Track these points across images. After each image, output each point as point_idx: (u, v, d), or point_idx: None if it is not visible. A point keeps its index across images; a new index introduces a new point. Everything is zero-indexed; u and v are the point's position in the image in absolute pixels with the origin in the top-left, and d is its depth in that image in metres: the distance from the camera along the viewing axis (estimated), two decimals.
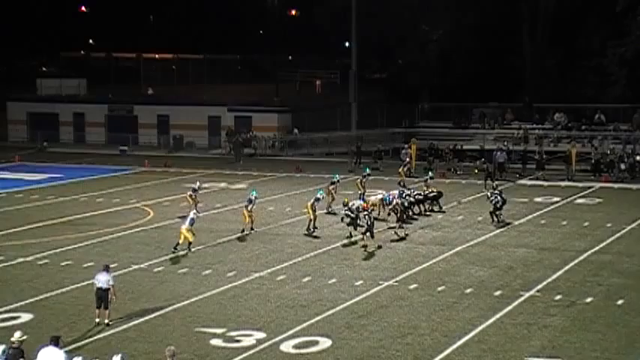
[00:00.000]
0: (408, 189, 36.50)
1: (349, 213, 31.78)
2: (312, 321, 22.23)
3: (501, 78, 64.14)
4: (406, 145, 51.15)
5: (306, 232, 32.45)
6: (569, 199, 40.14)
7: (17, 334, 17.05)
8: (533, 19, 65.75)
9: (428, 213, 36.40)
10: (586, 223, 34.35)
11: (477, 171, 47.19)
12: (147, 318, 22.51)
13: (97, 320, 21.94)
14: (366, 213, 30.54)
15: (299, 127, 60.11)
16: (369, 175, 40.65)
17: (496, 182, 39.24)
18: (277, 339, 20.86)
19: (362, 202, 33.62)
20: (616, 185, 44.21)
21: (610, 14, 60.99)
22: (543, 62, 66.14)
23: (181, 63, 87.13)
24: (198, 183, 38.25)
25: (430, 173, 40.96)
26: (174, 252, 29.27)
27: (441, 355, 19.85)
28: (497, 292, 24.72)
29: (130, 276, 26.59)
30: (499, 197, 34.25)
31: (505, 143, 50.40)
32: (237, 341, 20.78)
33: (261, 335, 21.13)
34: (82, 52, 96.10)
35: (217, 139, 61.45)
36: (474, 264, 27.99)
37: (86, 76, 76.75)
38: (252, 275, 26.61)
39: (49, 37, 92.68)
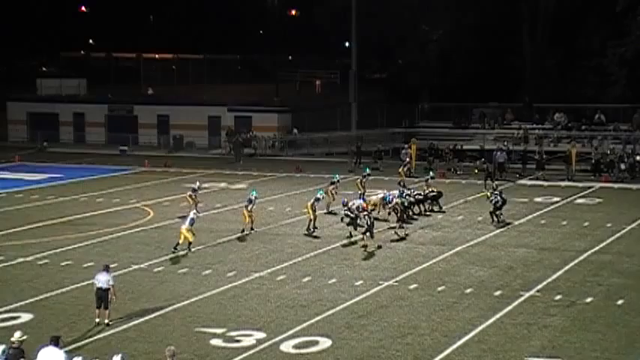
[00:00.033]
0: (408, 189, 36.50)
1: (349, 213, 31.79)
2: (312, 321, 22.23)
3: (501, 78, 64.14)
4: (406, 145, 51.15)
5: (306, 232, 32.45)
6: (569, 199, 40.14)
7: (17, 334, 17.06)
8: (533, 19, 65.75)
9: (428, 213, 36.41)
10: (586, 223, 34.36)
11: (477, 171, 47.20)
12: (147, 318, 22.51)
13: (97, 320, 21.94)
14: (365, 213, 30.54)
15: (298, 127, 60.12)
16: (369, 175, 40.67)
17: (496, 183, 39.23)
18: (277, 339, 20.86)
19: (362, 201, 33.63)
20: (616, 185, 44.21)
21: (610, 14, 60.99)
22: (543, 62, 66.14)
23: (181, 63, 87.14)
24: (197, 183, 38.25)
25: (431, 173, 40.97)
26: (174, 252, 29.27)
27: (441, 355, 19.86)
28: (497, 292, 24.72)
29: (130, 276, 26.59)
30: (499, 197, 34.26)
31: (505, 143, 50.40)
32: (237, 341, 20.78)
33: (261, 335, 21.13)
34: (82, 52, 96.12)
35: (217, 139, 61.46)
36: (474, 264, 27.99)
37: (86, 76, 76.75)
38: (252, 275, 26.61)
39: (49, 37, 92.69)
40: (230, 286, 25.50)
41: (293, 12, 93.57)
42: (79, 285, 25.35)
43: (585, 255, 29.18)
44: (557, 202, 39.44)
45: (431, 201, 37.04)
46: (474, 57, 65.60)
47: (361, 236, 30.45)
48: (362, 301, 23.98)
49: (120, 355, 16.05)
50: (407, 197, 34.83)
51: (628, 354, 19.99)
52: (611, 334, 21.22)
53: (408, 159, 48.15)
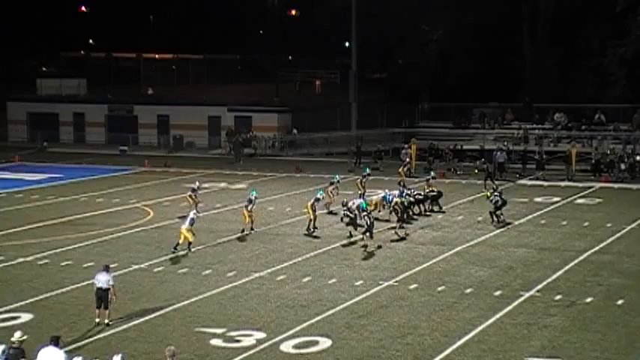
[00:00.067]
0: (408, 189, 36.49)
1: (348, 213, 31.79)
2: (312, 321, 22.23)
3: (501, 78, 64.13)
4: (406, 145, 51.15)
5: (306, 232, 32.45)
6: (569, 199, 40.14)
7: (17, 334, 17.07)
8: (533, 19, 65.73)
9: (428, 213, 36.41)
10: (586, 223, 34.36)
11: (477, 171, 47.20)
12: (147, 318, 22.51)
13: (97, 320, 21.94)
14: (365, 213, 30.54)
15: (297, 128, 60.12)
16: (369, 175, 40.68)
17: (496, 183, 39.23)
18: (277, 339, 20.86)
19: (362, 200, 33.66)
20: (616, 185, 44.21)
21: (610, 14, 60.98)
22: (543, 62, 66.13)
23: (181, 63, 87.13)
24: (197, 183, 38.26)
25: (432, 173, 40.91)
26: (174, 252, 29.27)
27: (441, 355, 19.86)
28: (497, 292, 24.72)
29: (130, 276, 26.59)
30: (499, 197, 34.26)
31: (505, 143, 50.40)
32: (237, 341, 20.78)
33: (261, 335, 21.13)
34: (82, 52, 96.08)
35: (217, 139, 61.46)
36: (474, 264, 27.99)
37: (86, 76, 76.74)
38: (252, 275, 26.62)
39: (49, 37, 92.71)
40: (230, 286, 25.50)
41: (293, 12, 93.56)
42: (79, 285, 25.35)
43: (585, 255, 29.18)
44: (557, 202, 39.44)
45: (431, 201, 37.04)
46: (474, 57, 65.59)
47: (361, 236, 30.45)
48: (362, 301, 23.98)
49: (120, 355, 16.06)
50: (407, 197, 34.82)
51: (628, 354, 20.00)
52: (611, 334, 21.23)
53: (408, 159, 48.15)
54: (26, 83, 75.58)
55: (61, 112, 66.73)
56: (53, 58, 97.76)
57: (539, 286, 25.22)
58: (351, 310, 23.17)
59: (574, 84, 63.12)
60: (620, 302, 23.73)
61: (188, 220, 29.72)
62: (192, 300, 24.08)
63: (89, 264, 27.57)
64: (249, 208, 32.67)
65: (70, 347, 19.79)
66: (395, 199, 33.49)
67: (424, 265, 27.85)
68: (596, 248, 30.13)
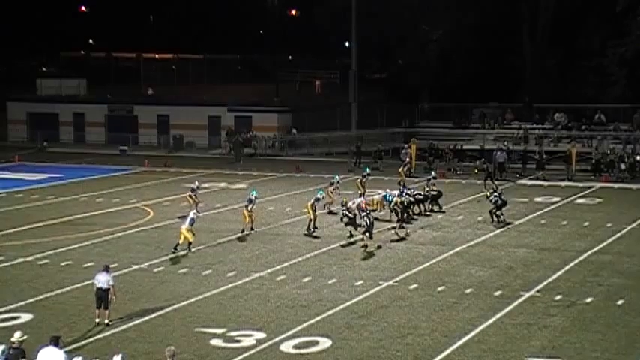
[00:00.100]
0: (408, 189, 36.48)
1: (347, 213, 31.78)
2: (312, 321, 22.23)
3: (501, 78, 64.13)
4: (406, 145, 51.15)
5: (306, 232, 32.45)
6: (569, 199, 40.15)
7: (17, 334, 17.06)
8: (533, 19, 65.73)
9: (428, 213, 36.40)
10: (586, 223, 34.36)
11: (477, 171, 47.20)
12: (147, 318, 22.51)
13: (97, 320, 21.94)
14: (365, 214, 30.53)
15: (297, 128, 60.14)
16: (369, 175, 40.69)
17: (496, 183, 39.21)
18: (277, 339, 20.86)
19: (362, 199, 33.69)
20: (616, 185, 44.21)
21: (610, 14, 60.98)
22: (543, 62, 66.13)
23: (181, 63, 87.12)
24: (196, 183, 38.26)
25: (433, 173, 40.80)
26: (174, 252, 29.28)
27: (441, 355, 19.86)
28: (497, 292, 24.72)
29: (130, 276, 26.59)
30: (499, 198, 34.25)
31: (505, 143, 50.40)
32: (237, 341, 20.78)
33: (261, 335, 21.13)
34: (82, 52, 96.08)
35: (217, 139, 61.47)
36: (474, 264, 27.99)
37: (86, 76, 76.74)
38: (252, 275, 26.62)
39: (49, 37, 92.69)
40: (230, 286, 25.50)
41: (293, 12, 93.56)
42: (79, 285, 25.35)
43: (585, 255, 29.18)
44: (557, 202, 39.44)
45: (431, 201, 37.03)
46: (474, 57, 65.58)
47: (361, 236, 30.45)
48: (362, 301, 23.98)
49: (120, 355, 16.05)
50: (406, 197, 34.80)
51: (628, 354, 20.00)
52: (611, 334, 21.23)
53: (408, 159, 48.15)
54: (26, 83, 75.58)
55: (61, 112, 66.74)
56: (53, 58, 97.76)
57: (539, 286, 25.22)
58: (351, 310, 23.17)
59: (574, 84, 63.12)
60: (620, 302, 23.73)
61: (188, 220, 29.72)
62: (192, 300, 24.08)
63: (89, 264, 27.57)
64: (249, 208, 32.67)
65: (70, 347, 19.79)
66: (395, 199, 33.49)
67: (424, 265, 27.85)
68: (596, 248, 30.14)
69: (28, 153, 58.28)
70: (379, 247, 30.28)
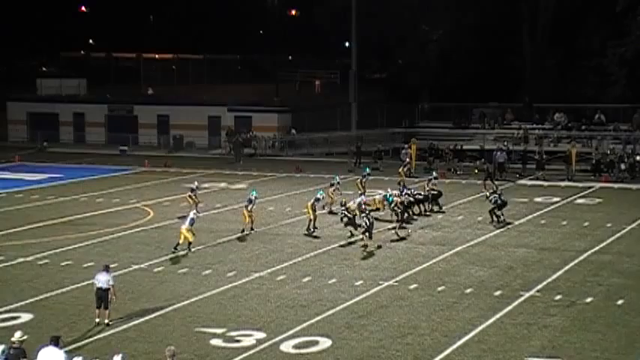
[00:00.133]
0: (408, 189, 36.48)
1: (346, 213, 31.77)
2: (312, 321, 22.23)
3: (501, 78, 64.12)
4: (406, 145, 51.13)
5: (306, 232, 32.45)
6: (569, 199, 40.15)
7: (18, 334, 17.06)
8: (533, 19, 65.73)
9: (428, 213, 36.40)
10: (586, 223, 34.36)
11: (477, 171, 47.20)
12: (147, 318, 22.51)
13: (97, 320, 21.94)
14: (364, 214, 30.54)
15: (296, 128, 60.15)
16: (369, 174, 40.69)
17: (496, 183, 39.20)
18: (277, 339, 20.86)
19: (363, 198, 33.71)
20: (616, 185, 44.21)
21: (610, 14, 60.98)
22: (543, 62, 66.12)
23: (181, 63, 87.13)
24: (196, 182, 38.28)
25: (434, 173, 40.60)
26: (174, 252, 29.28)
27: (441, 355, 19.86)
28: (497, 292, 24.72)
29: (130, 276, 26.59)
30: (498, 197, 34.24)
31: (505, 143, 50.39)
32: (237, 341, 20.78)
33: (261, 335, 21.13)
34: (82, 52, 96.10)
35: (217, 139, 61.47)
36: (474, 264, 27.99)
37: (86, 76, 76.75)
38: (252, 275, 26.62)
39: (49, 37, 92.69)
40: (230, 286, 25.50)
41: (293, 12, 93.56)
42: (79, 285, 25.35)
43: (585, 255, 29.18)
44: (557, 202, 39.44)
45: (431, 201, 37.02)
46: (474, 57, 65.57)
47: (361, 236, 30.45)
48: (362, 301, 23.98)
49: (120, 355, 16.05)
50: (406, 196, 34.79)
51: (628, 354, 20.00)
52: (611, 334, 21.22)
53: (408, 159, 48.14)
54: (26, 83, 75.59)
55: (61, 112, 66.74)
56: (53, 58, 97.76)
57: (539, 286, 25.22)
58: (351, 310, 23.17)
59: (574, 84, 63.11)
60: (620, 302, 23.73)
61: (188, 220, 29.72)
62: (192, 300, 24.08)
63: (89, 264, 27.57)
64: (249, 208, 32.68)
65: (70, 347, 19.79)
66: (395, 199, 33.50)
67: (424, 265, 27.85)
68: (596, 248, 30.14)
69: (28, 153, 58.29)
70: (379, 247, 30.28)
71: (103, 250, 30.01)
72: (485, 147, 52.57)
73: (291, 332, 21.35)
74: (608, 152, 48.46)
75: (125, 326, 21.86)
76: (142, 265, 27.84)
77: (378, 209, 34.89)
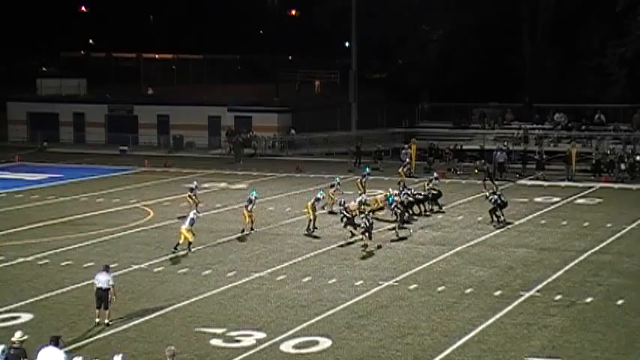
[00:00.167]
0: (408, 189, 36.46)
1: (345, 213, 31.77)
2: (312, 321, 22.23)
3: (501, 78, 64.11)
4: (406, 145, 51.11)
5: (306, 232, 32.45)
6: (569, 199, 40.14)
7: (18, 334, 17.06)
8: (533, 19, 65.72)
9: (428, 213, 36.39)
10: (586, 223, 34.36)
11: (477, 171, 47.19)
12: (147, 318, 22.51)
13: (97, 320, 21.94)
14: (364, 215, 30.54)
15: (295, 128, 60.16)
16: (368, 174, 40.69)
17: (496, 183, 39.17)
18: (277, 339, 20.87)
19: (364, 196, 33.74)
20: (616, 185, 44.21)
21: (610, 14, 60.97)
22: (543, 62, 66.11)
23: (181, 63, 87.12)
24: (195, 182, 38.27)
25: (435, 174, 40.48)
26: (174, 252, 29.28)
27: (441, 355, 19.86)
28: (497, 292, 24.72)
29: (130, 276, 26.59)
30: (498, 197, 34.22)
31: (505, 143, 50.39)
32: (237, 341, 20.79)
33: (261, 335, 21.13)
34: (82, 52, 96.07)
35: (217, 139, 61.47)
36: (474, 264, 27.99)
37: (86, 76, 76.73)
38: (252, 275, 26.62)
39: (49, 37, 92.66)
40: (230, 286, 25.51)
41: (293, 12, 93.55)
42: (79, 285, 25.35)
43: (585, 255, 29.18)
44: (557, 202, 39.44)
45: (430, 200, 37.02)
46: (474, 57, 65.56)
47: (361, 236, 30.44)
48: (362, 301, 23.98)
49: (120, 355, 16.05)
50: (405, 196, 34.78)
51: (628, 354, 20.00)
52: (611, 334, 21.23)
53: (408, 159, 48.12)
54: (26, 83, 75.58)
55: (61, 112, 66.73)
56: (53, 58, 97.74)
57: (539, 286, 25.22)
58: (351, 310, 23.17)
59: (574, 84, 63.10)
60: (620, 302, 23.73)
61: (188, 220, 29.73)
62: (192, 300, 24.08)
63: (89, 264, 27.57)
64: (249, 208, 32.68)
65: (70, 347, 19.80)
66: (395, 199, 33.50)
67: (424, 265, 27.85)
68: (596, 248, 30.14)
69: (28, 153, 58.29)
70: (379, 247, 30.28)
71: (103, 250, 30.01)
72: (485, 147, 52.56)
73: (291, 332, 21.35)
74: (608, 152, 48.46)
75: (125, 326, 21.87)
76: (142, 265, 27.85)
77: (381, 208, 34.89)
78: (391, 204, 33.54)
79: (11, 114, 68.35)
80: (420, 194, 36.73)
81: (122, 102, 66.70)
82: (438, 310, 23.10)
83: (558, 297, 24.18)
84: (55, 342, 16.82)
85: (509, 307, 23.28)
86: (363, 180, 39.40)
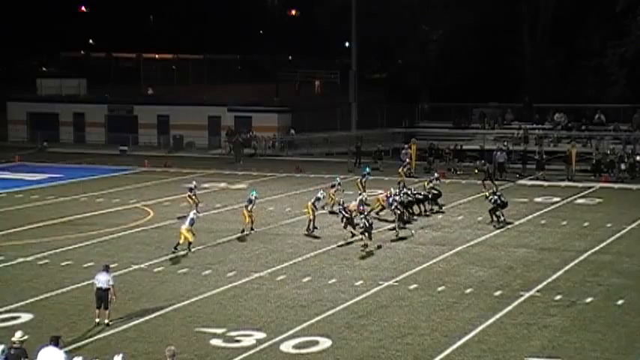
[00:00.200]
0: (408, 188, 36.45)
1: (344, 213, 31.76)
2: (312, 321, 22.23)
3: (501, 78, 64.13)
4: (406, 146, 51.12)
5: (306, 232, 32.45)
6: (569, 199, 40.14)
7: (18, 334, 17.05)
8: (533, 19, 65.73)
9: (428, 213, 36.39)
10: (586, 223, 34.36)
11: (477, 171, 47.18)
12: (147, 318, 22.51)
13: (97, 320, 21.94)
14: (363, 215, 30.54)
15: (295, 128, 60.16)
16: (368, 174, 40.69)
17: (496, 183, 39.16)
18: (277, 339, 20.86)
19: (364, 195, 33.72)
20: (616, 185, 44.21)
21: (610, 14, 60.98)
22: (543, 62, 66.13)
23: (181, 63, 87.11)
24: (194, 182, 38.27)
25: (436, 174, 40.37)
26: (174, 252, 29.28)
27: (441, 355, 19.86)
28: (497, 292, 24.72)
29: (130, 276, 26.59)
30: (497, 197, 34.21)
31: (505, 143, 50.40)
32: (237, 341, 20.78)
33: (261, 335, 21.13)
34: (82, 52, 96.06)
35: (217, 139, 61.49)
36: (474, 264, 27.99)
37: (86, 76, 76.74)
38: (252, 275, 26.62)
39: (49, 37, 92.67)
40: (230, 286, 25.51)
41: (293, 12, 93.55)
42: (79, 285, 25.35)
43: (585, 255, 29.18)
44: (557, 202, 39.44)
45: (430, 200, 37.01)
46: (474, 57, 65.58)
47: (361, 236, 30.44)
48: (362, 301, 23.98)
49: (120, 355, 16.04)
50: (405, 196, 34.75)
51: (628, 354, 20.00)
52: (611, 334, 21.23)
53: (408, 159, 48.13)
54: (26, 83, 75.59)
55: (61, 112, 66.76)
56: (53, 58, 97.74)
57: (539, 286, 25.22)
58: (351, 310, 23.17)
59: (574, 84, 63.13)
60: (620, 302, 23.73)
61: (188, 220, 29.73)
62: (192, 300, 24.08)
63: (89, 264, 27.57)
64: (249, 208, 32.68)
65: (70, 347, 19.80)
66: (395, 198, 33.50)
67: (424, 265, 27.85)
68: (596, 248, 30.14)
69: (28, 153, 58.30)
70: (379, 247, 30.28)
71: (103, 250, 30.01)
72: (486, 147, 52.56)
73: (291, 332, 21.35)
74: (608, 152, 48.46)
75: (125, 326, 21.87)
76: (142, 265, 27.85)
77: (383, 208, 34.88)
78: (391, 204, 33.54)
79: (11, 114, 68.37)
80: (420, 194, 36.72)
81: (122, 102, 66.72)
82: (438, 310, 23.10)
83: (558, 297, 24.18)
84: (55, 342, 16.81)
85: (509, 307, 23.28)
86: (363, 180, 39.40)
